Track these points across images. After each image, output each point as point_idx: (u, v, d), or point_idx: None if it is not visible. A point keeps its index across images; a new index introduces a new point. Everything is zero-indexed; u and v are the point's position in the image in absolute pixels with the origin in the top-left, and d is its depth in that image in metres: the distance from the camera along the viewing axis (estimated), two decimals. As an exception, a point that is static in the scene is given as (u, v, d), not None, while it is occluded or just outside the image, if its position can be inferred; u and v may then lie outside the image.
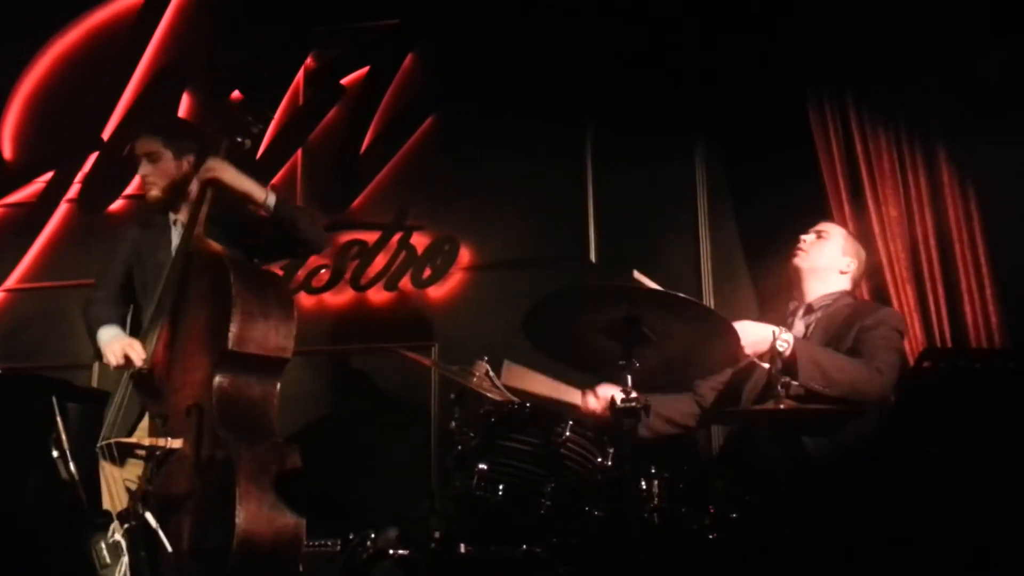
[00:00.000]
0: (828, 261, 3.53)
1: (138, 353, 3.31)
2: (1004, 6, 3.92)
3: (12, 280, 4.91)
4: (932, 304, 3.86)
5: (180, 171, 3.56)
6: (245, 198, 3.47)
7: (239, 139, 3.57)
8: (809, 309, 3.49)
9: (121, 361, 3.32)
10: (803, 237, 3.59)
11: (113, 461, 3.24)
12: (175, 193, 3.58)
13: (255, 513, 3.01)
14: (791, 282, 3.59)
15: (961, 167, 3.94)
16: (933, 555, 3.01)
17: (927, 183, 3.97)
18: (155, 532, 3.01)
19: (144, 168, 3.57)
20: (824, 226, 3.64)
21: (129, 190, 4.85)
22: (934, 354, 3.58)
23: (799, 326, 3.45)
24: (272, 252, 3.75)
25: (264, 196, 3.46)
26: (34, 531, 3.74)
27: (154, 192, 3.57)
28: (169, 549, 3.00)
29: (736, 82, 4.32)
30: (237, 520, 2.96)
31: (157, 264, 3.50)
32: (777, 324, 3.26)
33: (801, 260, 3.54)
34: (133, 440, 3.24)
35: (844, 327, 3.33)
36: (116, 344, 3.36)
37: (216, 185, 3.44)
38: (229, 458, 3.07)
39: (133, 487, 3.17)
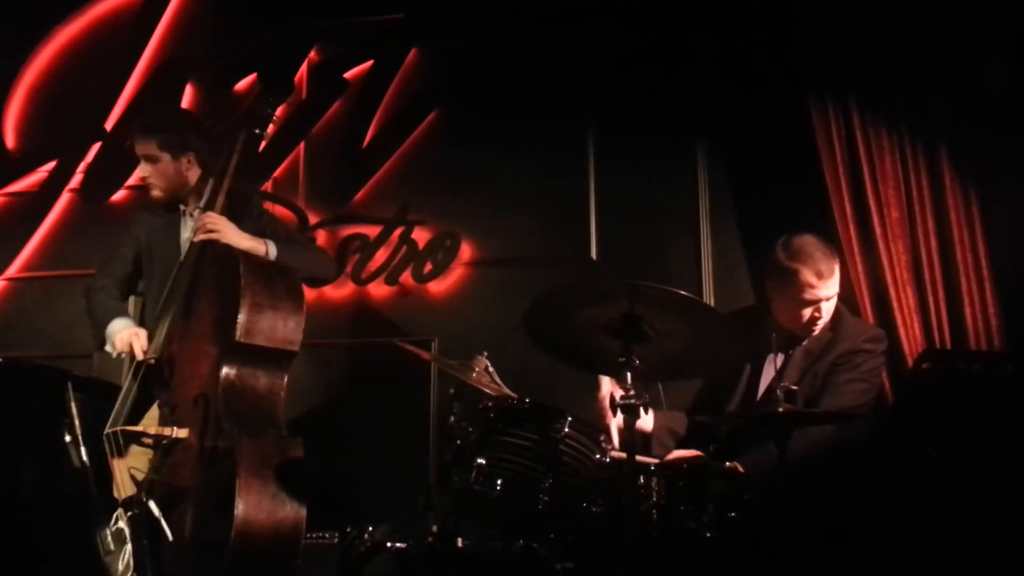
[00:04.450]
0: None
1: (141, 344, 3.32)
2: (1007, 10, 3.92)
3: (14, 269, 4.92)
4: (932, 306, 3.86)
5: (180, 170, 3.57)
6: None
7: (258, 131, 3.57)
8: (791, 337, 3.30)
9: (125, 349, 3.34)
10: (814, 316, 3.23)
11: (119, 449, 3.24)
12: (179, 189, 3.59)
13: (255, 504, 3.01)
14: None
15: (963, 170, 3.94)
16: (928, 555, 3.02)
17: (929, 185, 3.97)
18: (157, 520, 3.02)
19: (144, 170, 3.59)
20: (829, 288, 3.22)
21: (132, 180, 4.84)
22: (933, 355, 3.58)
23: (778, 359, 3.27)
24: None
25: (264, 250, 3.43)
26: (36, 518, 3.74)
27: (156, 193, 3.60)
28: (170, 538, 3.02)
29: (739, 81, 4.31)
30: (236, 511, 2.97)
31: (168, 254, 3.50)
32: (750, 343, 3.19)
33: (815, 333, 3.29)
34: (140, 428, 3.25)
35: (819, 361, 3.24)
36: (125, 333, 3.38)
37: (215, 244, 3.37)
38: (231, 449, 3.07)
39: (139, 475, 3.20)
